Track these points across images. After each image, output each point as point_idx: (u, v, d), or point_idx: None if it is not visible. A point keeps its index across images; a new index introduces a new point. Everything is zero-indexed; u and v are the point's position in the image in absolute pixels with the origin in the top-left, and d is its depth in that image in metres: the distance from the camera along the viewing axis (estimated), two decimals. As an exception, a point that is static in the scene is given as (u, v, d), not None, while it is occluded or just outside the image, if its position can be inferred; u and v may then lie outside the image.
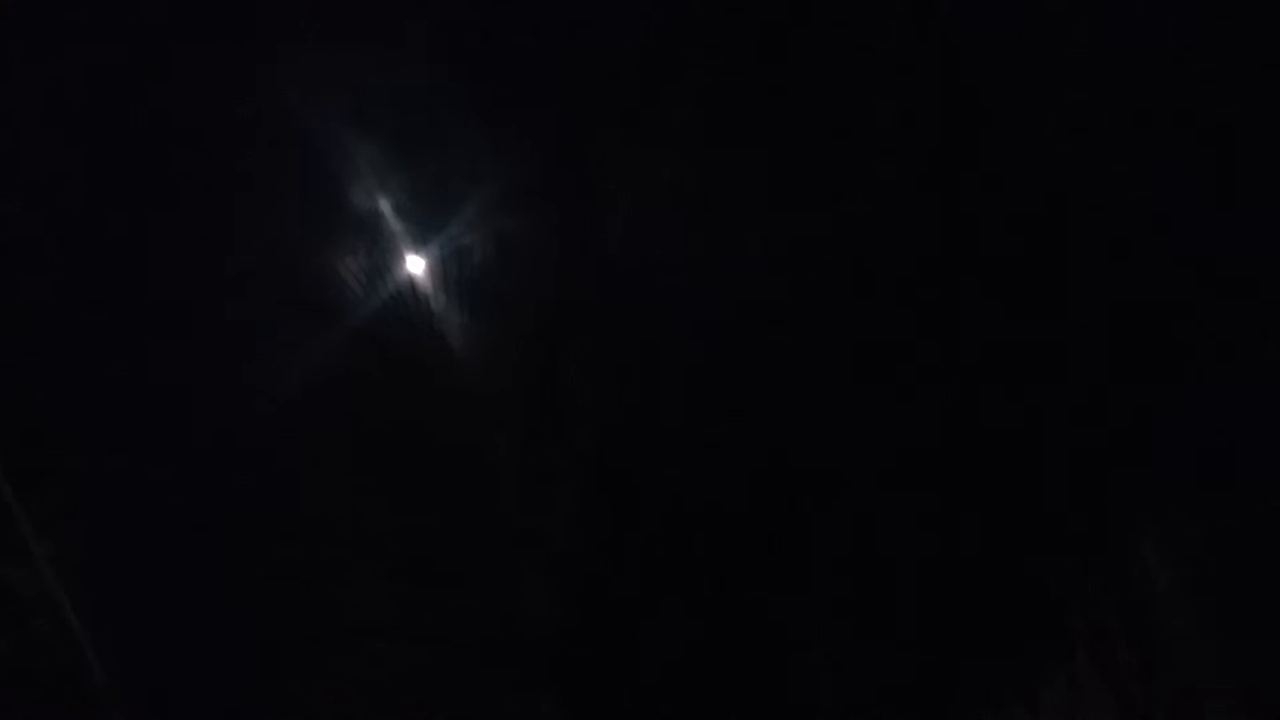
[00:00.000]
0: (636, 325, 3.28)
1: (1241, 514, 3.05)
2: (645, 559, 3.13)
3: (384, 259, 3.27)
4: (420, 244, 3.27)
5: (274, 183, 3.22)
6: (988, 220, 3.11)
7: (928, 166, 3.16)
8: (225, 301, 3.24)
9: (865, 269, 3.24)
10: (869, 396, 3.21)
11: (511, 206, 3.26)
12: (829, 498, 3.18)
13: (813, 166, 3.24)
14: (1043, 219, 3.11)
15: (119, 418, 3.21)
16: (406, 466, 3.20)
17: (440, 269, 3.27)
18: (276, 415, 3.20)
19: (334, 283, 3.25)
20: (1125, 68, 3.14)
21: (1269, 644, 2.99)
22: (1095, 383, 3.17)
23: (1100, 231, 3.12)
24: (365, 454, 3.23)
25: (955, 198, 3.13)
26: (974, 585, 3.15)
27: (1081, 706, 3.07)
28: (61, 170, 3.13)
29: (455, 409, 3.24)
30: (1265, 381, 3.10)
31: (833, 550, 3.15)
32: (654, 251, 3.27)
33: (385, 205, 3.28)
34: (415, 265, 3.29)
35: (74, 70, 3.20)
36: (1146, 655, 3.06)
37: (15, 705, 3.12)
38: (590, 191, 3.30)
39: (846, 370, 3.23)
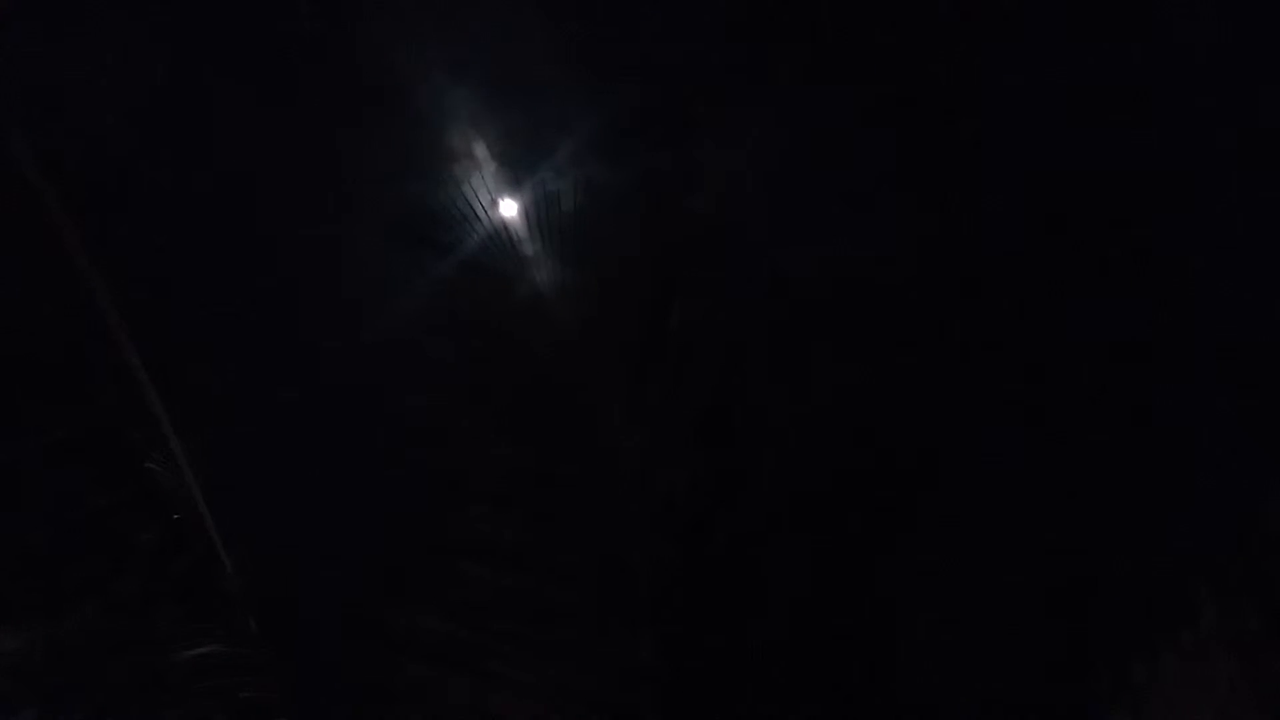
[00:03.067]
0: (734, 268, 3.31)
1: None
2: (750, 502, 3.25)
3: (480, 199, 3.36)
4: (515, 187, 3.35)
5: (376, 123, 3.31)
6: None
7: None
8: (330, 232, 3.41)
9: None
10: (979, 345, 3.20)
11: (607, 151, 3.28)
12: (940, 447, 3.25)
13: (913, 121, 3.13)
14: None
15: (244, 332, 3.46)
16: (509, 401, 3.36)
17: (536, 211, 3.35)
18: (383, 345, 3.41)
19: (433, 220, 3.38)
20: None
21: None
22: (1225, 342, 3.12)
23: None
24: (467, 386, 3.41)
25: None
26: (1098, 549, 3.20)
27: (1208, 674, 3.07)
28: (168, 99, 3.24)
29: (556, 346, 3.37)
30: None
31: (945, 501, 3.24)
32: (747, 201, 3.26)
33: (481, 148, 3.34)
34: (509, 208, 3.38)
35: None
36: (1274, 622, 3.02)
37: (157, 596, 3.55)
38: (685, 137, 3.28)
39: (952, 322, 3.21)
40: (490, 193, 3.35)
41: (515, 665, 3.34)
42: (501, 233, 3.37)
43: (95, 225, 3.22)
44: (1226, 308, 3.04)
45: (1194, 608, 3.10)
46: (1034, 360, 3.16)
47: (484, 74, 3.27)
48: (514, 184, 3.34)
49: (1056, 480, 3.18)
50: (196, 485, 3.42)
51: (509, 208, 3.36)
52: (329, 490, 3.41)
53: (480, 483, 3.38)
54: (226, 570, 3.47)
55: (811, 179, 3.22)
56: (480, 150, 3.32)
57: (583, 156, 3.30)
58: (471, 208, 3.36)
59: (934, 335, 3.19)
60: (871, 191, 3.12)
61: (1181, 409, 3.12)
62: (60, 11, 2.97)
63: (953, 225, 3.04)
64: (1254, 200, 2.92)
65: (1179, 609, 3.12)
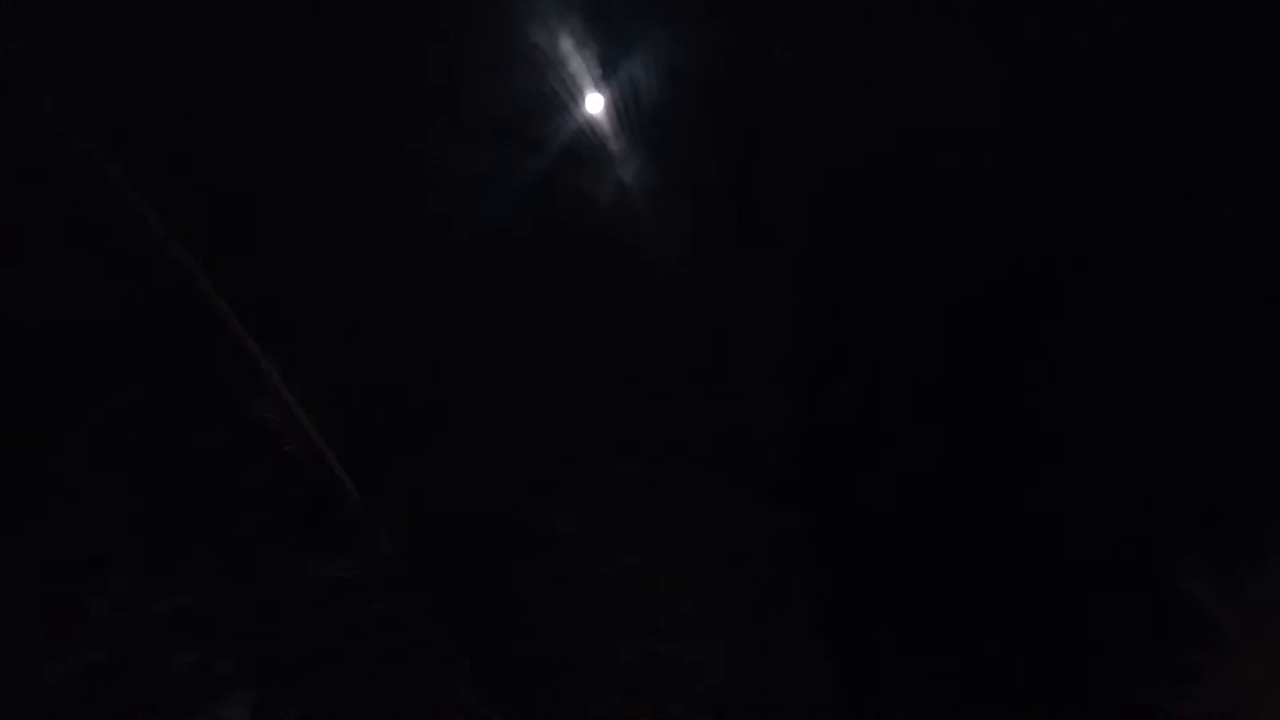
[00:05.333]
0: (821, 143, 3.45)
1: None
2: (864, 369, 3.46)
3: (567, 94, 3.40)
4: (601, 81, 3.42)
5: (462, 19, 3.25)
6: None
7: None
8: (421, 128, 3.35)
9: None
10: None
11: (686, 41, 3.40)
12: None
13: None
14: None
15: (345, 240, 3.37)
16: (611, 290, 3.47)
17: (622, 105, 3.44)
18: (474, 240, 3.42)
19: (522, 114, 3.39)
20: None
21: None
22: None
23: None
24: (566, 278, 3.49)
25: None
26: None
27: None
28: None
29: (652, 234, 3.48)
30: None
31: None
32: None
33: (567, 42, 3.37)
34: (595, 103, 3.45)
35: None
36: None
37: (274, 529, 3.46)
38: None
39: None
40: (579, 87, 3.41)
41: (656, 556, 3.43)
42: (590, 127, 3.45)
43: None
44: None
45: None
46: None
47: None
48: (599, 79, 3.41)
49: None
50: (310, 421, 3.35)
51: (595, 102, 3.44)
52: (447, 395, 3.44)
53: (592, 379, 3.47)
54: (350, 493, 3.43)
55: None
56: (565, 45, 3.36)
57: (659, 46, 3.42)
58: (561, 101, 3.41)
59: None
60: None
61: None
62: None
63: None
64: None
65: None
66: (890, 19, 3.36)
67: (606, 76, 3.42)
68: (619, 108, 3.45)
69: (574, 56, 3.38)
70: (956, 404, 3.46)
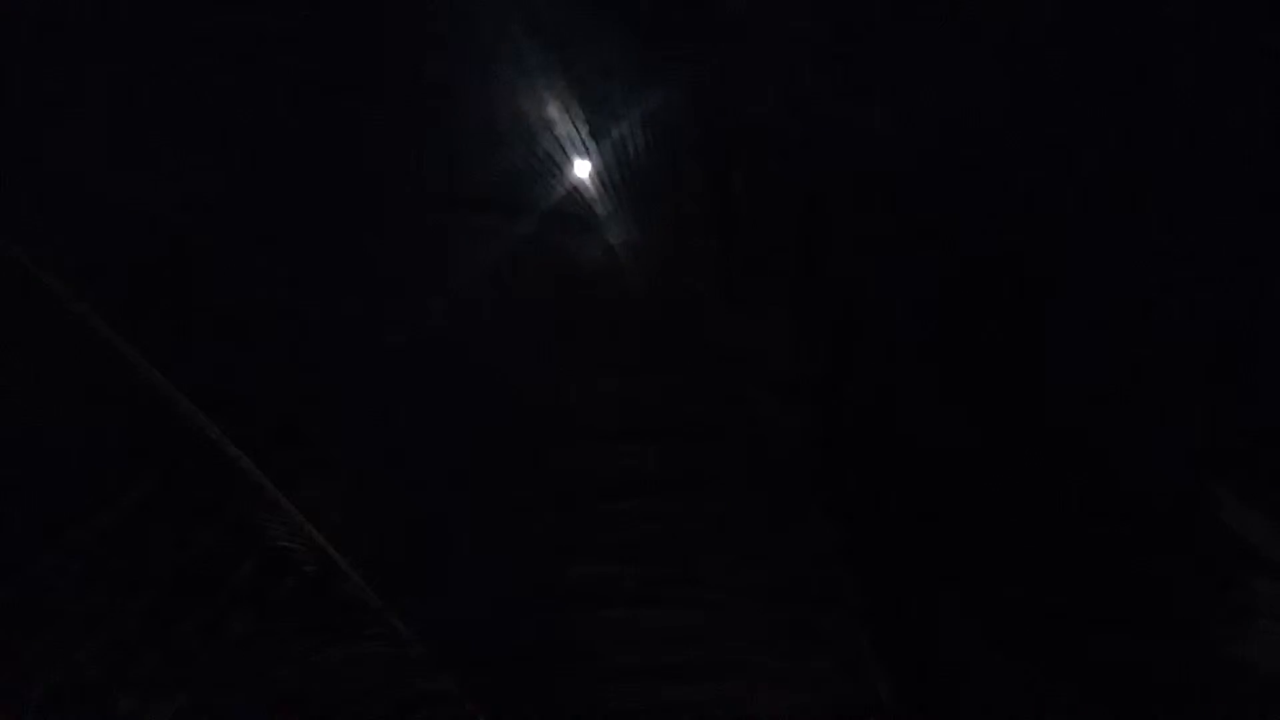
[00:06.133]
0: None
1: None
2: (873, 368, 3.40)
3: (554, 159, 3.31)
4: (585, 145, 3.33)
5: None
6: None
7: None
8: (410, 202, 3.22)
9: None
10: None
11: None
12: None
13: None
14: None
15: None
16: (612, 335, 3.41)
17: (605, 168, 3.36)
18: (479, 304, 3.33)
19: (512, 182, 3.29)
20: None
21: None
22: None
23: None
24: (570, 330, 3.42)
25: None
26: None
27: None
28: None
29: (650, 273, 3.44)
30: None
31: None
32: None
33: (553, 108, 3.26)
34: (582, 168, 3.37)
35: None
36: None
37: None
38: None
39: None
40: (563, 152, 3.31)
41: (708, 583, 3.33)
42: (576, 189, 3.37)
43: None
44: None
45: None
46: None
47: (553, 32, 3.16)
48: (583, 142, 3.33)
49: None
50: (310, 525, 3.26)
51: (582, 167, 3.36)
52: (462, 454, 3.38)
53: (604, 420, 3.42)
54: (349, 578, 3.36)
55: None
56: (554, 110, 3.26)
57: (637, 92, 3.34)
58: (546, 168, 3.31)
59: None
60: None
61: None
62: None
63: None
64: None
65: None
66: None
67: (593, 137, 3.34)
68: (602, 168, 3.38)
69: (558, 122, 3.28)
70: (976, 377, 3.43)
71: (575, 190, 3.38)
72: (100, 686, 3.08)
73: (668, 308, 3.48)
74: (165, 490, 3.17)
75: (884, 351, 3.53)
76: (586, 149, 3.34)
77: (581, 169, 3.37)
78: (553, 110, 3.24)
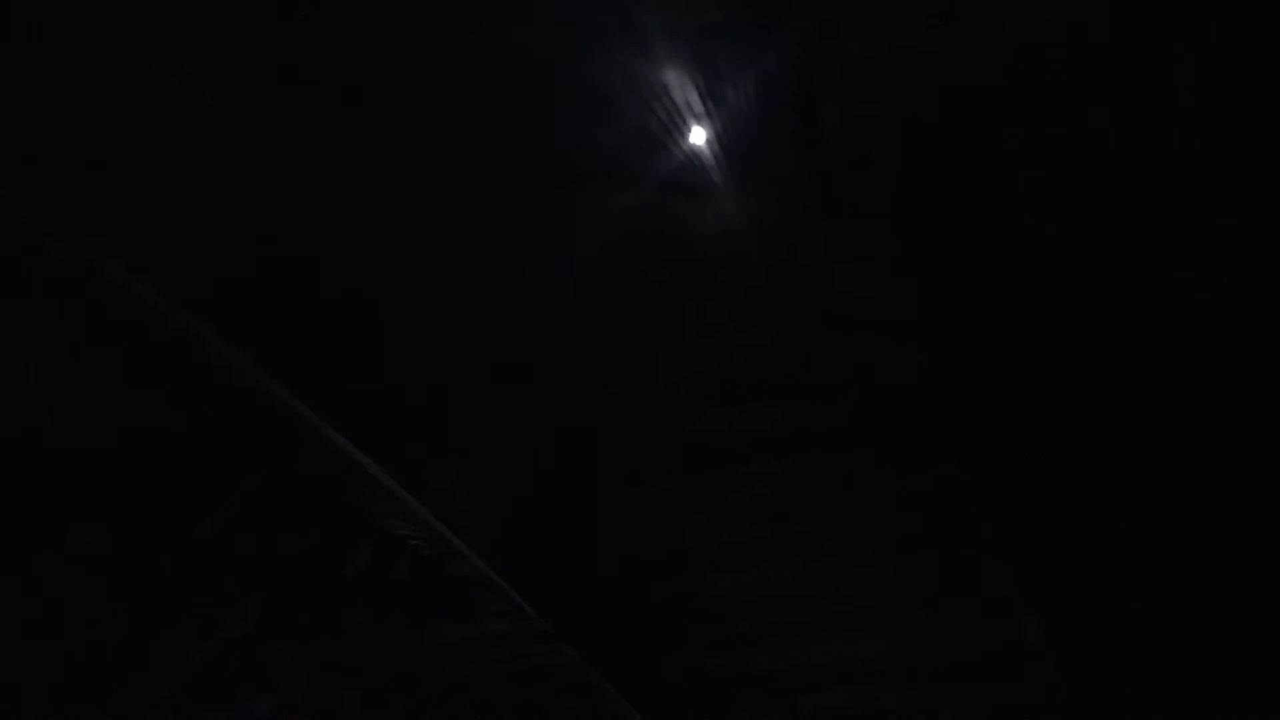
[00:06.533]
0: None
1: None
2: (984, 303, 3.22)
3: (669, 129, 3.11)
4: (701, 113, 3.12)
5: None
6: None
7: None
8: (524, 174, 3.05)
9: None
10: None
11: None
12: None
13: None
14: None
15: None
16: (729, 299, 3.29)
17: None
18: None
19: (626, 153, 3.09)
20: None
21: None
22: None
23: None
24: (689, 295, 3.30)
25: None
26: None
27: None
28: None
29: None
30: None
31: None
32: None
33: (671, 78, 3.05)
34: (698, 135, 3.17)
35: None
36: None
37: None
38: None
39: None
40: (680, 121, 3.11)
41: (840, 537, 3.36)
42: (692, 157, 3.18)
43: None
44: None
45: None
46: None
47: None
48: (699, 111, 3.12)
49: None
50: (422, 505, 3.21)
51: (697, 134, 3.17)
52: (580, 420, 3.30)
53: (729, 383, 3.31)
54: (467, 558, 3.34)
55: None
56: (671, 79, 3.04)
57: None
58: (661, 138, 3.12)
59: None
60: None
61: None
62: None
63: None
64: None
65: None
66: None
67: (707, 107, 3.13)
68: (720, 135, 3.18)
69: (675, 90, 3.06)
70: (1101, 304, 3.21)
71: (690, 157, 3.20)
72: (221, 680, 3.11)
73: (782, 269, 3.34)
74: (279, 485, 3.12)
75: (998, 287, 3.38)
76: (697, 115, 3.14)
77: (696, 135, 3.18)
78: (665, 77, 3.03)
